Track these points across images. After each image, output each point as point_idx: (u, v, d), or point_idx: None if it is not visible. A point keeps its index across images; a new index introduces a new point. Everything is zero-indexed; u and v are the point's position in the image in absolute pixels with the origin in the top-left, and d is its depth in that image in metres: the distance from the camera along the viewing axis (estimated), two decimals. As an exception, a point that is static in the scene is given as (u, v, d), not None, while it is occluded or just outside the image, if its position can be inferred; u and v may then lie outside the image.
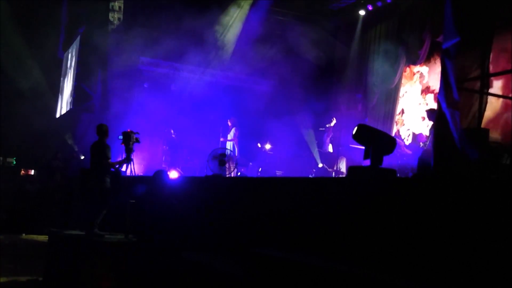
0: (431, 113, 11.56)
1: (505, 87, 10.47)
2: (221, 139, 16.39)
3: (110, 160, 9.94)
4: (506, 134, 9.06)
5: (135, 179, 11.06)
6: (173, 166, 16.21)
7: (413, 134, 15.40)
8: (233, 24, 18.63)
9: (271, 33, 18.71)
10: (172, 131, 16.84)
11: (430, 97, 15.21)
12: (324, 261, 5.24)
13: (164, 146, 17.22)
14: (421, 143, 13.04)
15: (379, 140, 7.34)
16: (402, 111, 16.30)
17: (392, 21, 16.86)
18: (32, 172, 20.06)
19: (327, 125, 16.55)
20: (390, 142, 7.53)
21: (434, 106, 14.06)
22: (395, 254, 5.31)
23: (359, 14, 18.06)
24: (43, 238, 12.79)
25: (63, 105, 22.69)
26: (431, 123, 12.39)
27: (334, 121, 16.37)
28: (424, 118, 14.80)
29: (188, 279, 7.47)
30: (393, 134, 15.38)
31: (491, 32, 6.16)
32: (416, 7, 15.62)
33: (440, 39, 13.86)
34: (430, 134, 12.04)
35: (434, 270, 4.81)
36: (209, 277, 6.95)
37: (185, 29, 16.81)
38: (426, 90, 15.54)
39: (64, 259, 9.02)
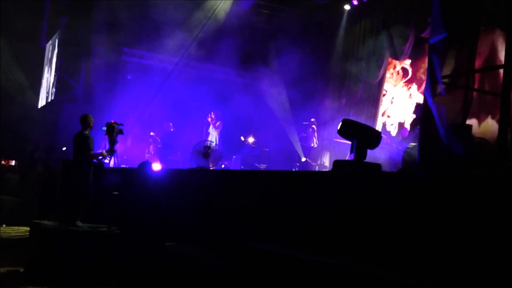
0: (418, 108, 11.61)
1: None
2: (214, 132, 16.34)
3: (92, 152, 9.85)
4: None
5: (118, 171, 10.99)
6: (157, 158, 16.18)
7: (398, 127, 15.48)
8: (217, 16, 18.56)
9: (255, 27, 18.70)
10: (171, 124, 16.82)
11: (414, 90, 15.33)
12: (309, 254, 5.24)
13: (150, 139, 17.18)
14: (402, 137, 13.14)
15: (363, 134, 7.36)
16: (387, 114, 16.40)
17: (377, 16, 16.90)
18: (13, 162, 19.88)
19: (312, 120, 16.58)
20: (375, 136, 7.55)
21: (419, 98, 14.21)
22: (379, 247, 5.34)
23: (344, 9, 18.07)
24: (25, 229, 12.68)
25: (45, 96, 22.47)
26: (414, 115, 12.49)
27: (313, 125, 16.39)
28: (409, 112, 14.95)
29: (172, 271, 7.45)
30: (377, 128, 15.45)
31: (478, 28, 6.19)
32: (401, 3, 15.67)
33: (424, 35, 13.95)
34: (410, 129, 12.12)
35: (418, 262, 4.84)
36: (193, 269, 6.93)
37: (169, 21, 16.74)
38: (409, 84, 15.64)
39: (45, 251, 8.94)
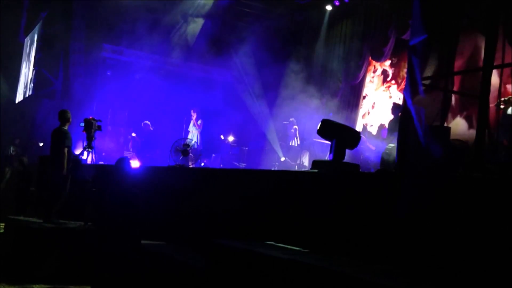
0: (395, 108, 11.59)
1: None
2: (195, 130, 16.32)
3: (68, 148, 9.73)
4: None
5: (96, 167, 10.90)
6: (136, 155, 16.09)
7: (378, 129, 15.54)
8: (197, 14, 18.50)
9: (236, 25, 18.66)
10: (149, 123, 16.76)
11: (394, 89, 15.40)
12: (283, 252, 5.23)
13: (129, 136, 17.09)
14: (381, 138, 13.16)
15: (342, 135, 7.38)
16: (368, 116, 16.46)
17: (358, 17, 16.94)
18: (-12, 158, 19.60)
19: (291, 119, 16.57)
20: (354, 137, 7.57)
21: (397, 98, 14.29)
22: (356, 246, 5.35)
23: (325, 9, 18.09)
24: (0, 225, 12.53)
25: (23, 91, 22.22)
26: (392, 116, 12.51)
27: (295, 125, 16.40)
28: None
29: (148, 269, 7.40)
30: (357, 129, 15.48)
31: (458, 30, 6.22)
32: (382, 4, 15.72)
33: (405, 37, 14.00)
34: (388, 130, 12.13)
35: (395, 261, 4.86)
36: (169, 267, 6.90)
37: (149, 18, 16.67)
38: (389, 84, 15.72)
39: (20, 247, 8.85)
